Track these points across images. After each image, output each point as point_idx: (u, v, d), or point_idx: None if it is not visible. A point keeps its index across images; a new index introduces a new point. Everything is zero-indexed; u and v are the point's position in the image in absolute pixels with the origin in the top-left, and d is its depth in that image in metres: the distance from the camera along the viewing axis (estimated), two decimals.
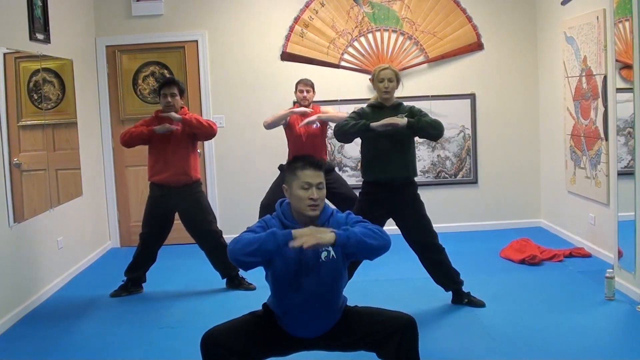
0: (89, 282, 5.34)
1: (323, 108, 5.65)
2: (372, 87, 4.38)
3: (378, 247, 2.71)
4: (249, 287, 4.94)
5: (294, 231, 2.63)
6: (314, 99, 5.68)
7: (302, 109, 5.52)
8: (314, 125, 5.46)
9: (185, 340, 3.94)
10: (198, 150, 5.01)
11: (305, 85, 5.58)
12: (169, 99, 4.74)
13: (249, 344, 2.75)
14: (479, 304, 4.32)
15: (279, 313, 2.82)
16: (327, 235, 2.61)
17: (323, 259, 2.73)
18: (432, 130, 4.18)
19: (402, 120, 4.08)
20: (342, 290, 2.88)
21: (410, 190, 4.26)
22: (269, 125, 5.56)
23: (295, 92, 5.68)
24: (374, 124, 4.08)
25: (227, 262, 4.94)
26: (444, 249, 4.31)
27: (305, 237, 2.59)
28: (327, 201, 2.94)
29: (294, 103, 5.94)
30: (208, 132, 4.82)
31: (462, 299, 4.36)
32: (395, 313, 2.84)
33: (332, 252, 2.73)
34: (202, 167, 6.19)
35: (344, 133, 4.20)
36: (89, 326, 4.30)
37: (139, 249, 4.94)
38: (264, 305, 2.91)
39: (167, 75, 6.32)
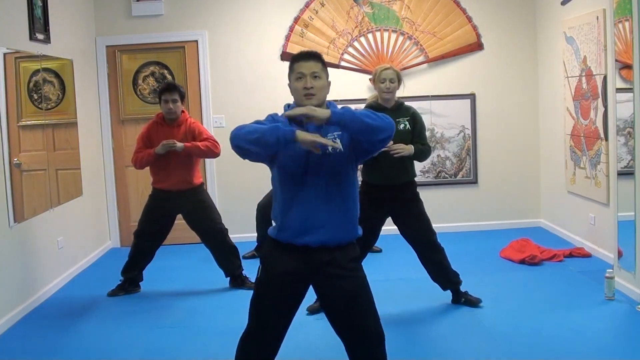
0: (89, 282, 5.34)
1: None
2: (373, 87, 4.39)
3: (378, 127, 2.57)
4: (252, 287, 4.91)
5: (297, 132, 2.55)
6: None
7: None
8: None
9: (185, 340, 3.95)
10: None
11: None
12: (171, 105, 4.72)
13: (277, 311, 2.74)
14: (475, 302, 4.33)
15: (281, 215, 2.74)
16: (323, 111, 2.55)
17: (330, 150, 2.65)
18: (422, 158, 4.31)
19: (408, 149, 4.13)
20: (348, 192, 2.76)
21: (410, 189, 4.29)
22: None
23: None
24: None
25: (232, 260, 4.97)
26: (443, 248, 4.32)
27: (308, 138, 2.52)
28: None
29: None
30: (210, 156, 4.92)
31: (459, 298, 4.38)
32: (371, 322, 2.81)
33: (340, 145, 2.63)
34: (203, 167, 6.18)
35: None
36: (89, 326, 4.30)
37: (133, 247, 4.95)
38: (257, 247, 2.82)
39: (168, 79, 6.34)
